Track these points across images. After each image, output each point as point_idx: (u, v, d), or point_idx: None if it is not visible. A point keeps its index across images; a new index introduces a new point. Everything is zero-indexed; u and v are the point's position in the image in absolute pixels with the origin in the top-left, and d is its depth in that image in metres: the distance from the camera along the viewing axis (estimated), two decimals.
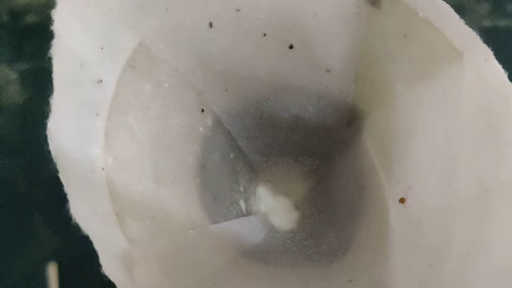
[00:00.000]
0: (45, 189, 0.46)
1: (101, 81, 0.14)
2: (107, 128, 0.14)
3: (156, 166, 0.16)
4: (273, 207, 0.21)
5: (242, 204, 0.21)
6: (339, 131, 0.19)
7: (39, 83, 0.52)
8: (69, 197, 0.12)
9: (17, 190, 0.46)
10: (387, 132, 0.18)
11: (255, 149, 0.20)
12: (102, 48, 0.14)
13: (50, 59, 0.13)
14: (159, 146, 0.16)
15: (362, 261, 0.16)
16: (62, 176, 0.13)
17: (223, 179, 0.19)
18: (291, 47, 0.18)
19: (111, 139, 0.15)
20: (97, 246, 0.12)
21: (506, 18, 0.48)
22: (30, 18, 0.53)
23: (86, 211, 0.13)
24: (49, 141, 0.13)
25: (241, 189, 0.21)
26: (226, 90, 0.18)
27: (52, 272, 0.41)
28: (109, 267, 0.12)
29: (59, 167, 0.13)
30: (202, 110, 0.18)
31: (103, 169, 0.14)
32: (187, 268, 0.14)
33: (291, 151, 0.21)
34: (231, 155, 0.20)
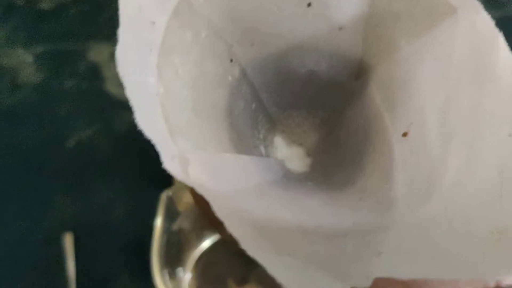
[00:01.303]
0: (64, 161, 0.48)
1: (154, 23, 0.17)
2: (158, 63, 0.17)
3: (195, 102, 0.19)
4: (288, 155, 0.24)
5: (262, 149, 0.23)
6: (349, 84, 0.22)
7: (53, 65, 0.54)
8: (135, 110, 0.15)
9: (37, 160, 0.48)
10: (391, 81, 0.21)
11: (273, 102, 0.23)
12: None
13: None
14: (197, 86, 0.19)
15: (370, 185, 0.19)
16: (128, 93, 0.15)
17: (246, 125, 0.22)
18: (309, 4, 0.20)
19: (162, 73, 0.17)
20: (158, 148, 0.15)
21: (499, 9, 0.51)
22: (45, 4, 0.55)
23: (148, 123, 0.15)
24: (117, 64, 0.15)
25: (261, 136, 0.23)
26: (252, 44, 0.21)
27: (68, 241, 0.44)
28: (169, 164, 0.14)
29: (125, 86, 0.15)
30: (231, 60, 0.21)
31: (157, 95, 0.17)
32: (225, 180, 0.17)
33: (305, 104, 0.23)
34: (253, 105, 0.23)
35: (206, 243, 0.42)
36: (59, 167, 0.49)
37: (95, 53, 0.53)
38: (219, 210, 0.13)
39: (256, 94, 0.22)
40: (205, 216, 0.22)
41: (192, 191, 0.19)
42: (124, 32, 0.15)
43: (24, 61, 0.52)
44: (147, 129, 0.14)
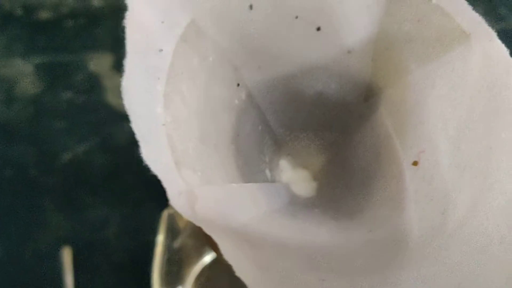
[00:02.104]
0: (57, 177, 0.47)
1: (162, 50, 0.17)
2: (165, 91, 0.17)
3: (202, 129, 0.18)
4: (293, 178, 0.24)
5: (268, 173, 0.23)
6: (357, 106, 0.22)
7: (51, 76, 0.54)
8: (140, 143, 0.15)
9: (30, 176, 0.48)
10: (401, 106, 0.20)
11: (280, 123, 0.23)
12: (162, 22, 0.17)
13: (123, 27, 0.15)
14: (204, 112, 0.19)
15: (380, 215, 0.18)
16: (134, 126, 0.15)
17: (253, 148, 0.22)
18: (318, 29, 0.20)
19: (168, 101, 0.17)
20: (164, 184, 0.14)
21: (499, 21, 0.51)
22: (44, 14, 0.55)
23: (154, 156, 0.15)
24: (123, 95, 0.15)
25: (267, 159, 0.23)
26: (259, 67, 0.20)
27: (66, 256, 0.43)
28: (176, 201, 0.14)
29: (131, 118, 0.15)
30: (238, 85, 0.20)
31: (164, 125, 0.16)
32: (233, 214, 0.16)
33: (312, 125, 0.23)
34: (260, 128, 0.22)
35: (207, 259, 0.41)
36: (54, 182, 0.49)
37: (95, 63, 0.53)
38: (227, 253, 0.13)
39: (263, 116, 0.22)
40: (205, 237, 0.21)
41: None
42: (131, 61, 0.15)
43: (22, 72, 0.52)
44: (153, 163, 0.14)
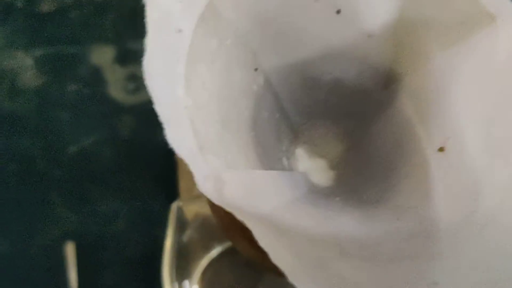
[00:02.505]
0: (64, 170, 0.47)
1: (181, 30, 0.16)
2: (185, 73, 0.16)
3: (221, 115, 0.18)
4: (310, 167, 0.23)
5: (285, 161, 0.22)
6: (376, 93, 0.21)
7: (54, 68, 0.53)
8: (165, 126, 0.14)
9: (36, 169, 0.47)
10: (423, 92, 0.20)
11: (297, 111, 0.22)
12: (180, 2, 0.16)
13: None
14: (223, 98, 0.18)
15: (407, 204, 0.18)
16: (157, 108, 0.14)
17: (270, 136, 0.21)
18: (338, 12, 0.19)
19: (189, 84, 0.16)
20: (191, 168, 0.14)
21: None
22: (45, 5, 0.54)
23: (179, 140, 0.14)
24: (145, 76, 0.14)
25: (284, 148, 0.22)
26: (277, 51, 0.20)
27: (70, 251, 0.42)
28: (203, 186, 0.13)
29: (154, 101, 0.14)
30: (256, 69, 0.20)
31: (185, 108, 0.15)
32: (260, 200, 0.16)
33: (329, 113, 0.22)
34: (277, 116, 0.22)
35: (213, 253, 0.41)
36: (61, 175, 0.48)
37: (98, 56, 0.52)
38: (262, 239, 0.12)
39: (280, 104, 0.21)
40: (223, 227, 0.21)
41: (209, 201, 0.18)
42: (151, 41, 0.14)
43: (24, 65, 0.51)
44: (178, 146, 0.13)
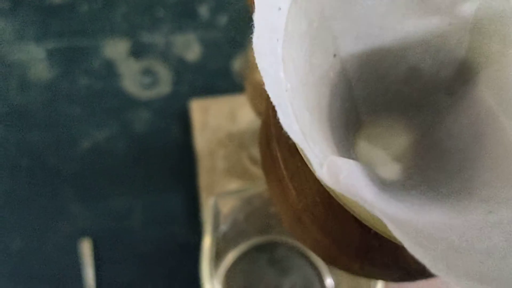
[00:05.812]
0: (77, 165, 0.45)
1: (280, 8, 0.15)
2: (283, 55, 0.15)
3: (308, 101, 0.17)
4: (373, 160, 0.22)
5: (352, 153, 0.21)
6: (451, 83, 0.20)
7: (66, 61, 0.51)
8: (277, 108, 0.13)
9: (48, 164, 0.45)
10: (506, 82, 0.19)
11: (365, 101, 0.21)
12: None
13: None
14: (308, 84, 0.17)
15: (498, 196, 0.17)
16: (268, 89, 0.13)
17: (340, 126, 0.20)
18: None
19: (286, 66, 0.15)
20: (306, 153, 0.13)
21: None
22: None
23: (289, 124, 0.13)
24: (256, 56, 0.13)
25: (351, 138, 0.21)
26: (357, 36, 0.19)
27: (86, 248, 0.41)
28: (319, 171, 0.13)
29: (265, 81, 0.13)
30: (334, 55, 0.19)
31: (286, 91, 0.15)
32: (365, 188, 0.15)
33: (398, 105, 0.22)
34: (347, 105, 0.21)
35: (239, 250, 0.40)
36: (74, 170, 0.46)
37: (111, 49, 0.50)
38: (396, 229, 0.11)
39: (352, 93, 0.20)
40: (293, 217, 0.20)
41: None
42: (258, 18, 0.13)
43: (35, 58, 0.49)
44: (291, 131, 0.12)
